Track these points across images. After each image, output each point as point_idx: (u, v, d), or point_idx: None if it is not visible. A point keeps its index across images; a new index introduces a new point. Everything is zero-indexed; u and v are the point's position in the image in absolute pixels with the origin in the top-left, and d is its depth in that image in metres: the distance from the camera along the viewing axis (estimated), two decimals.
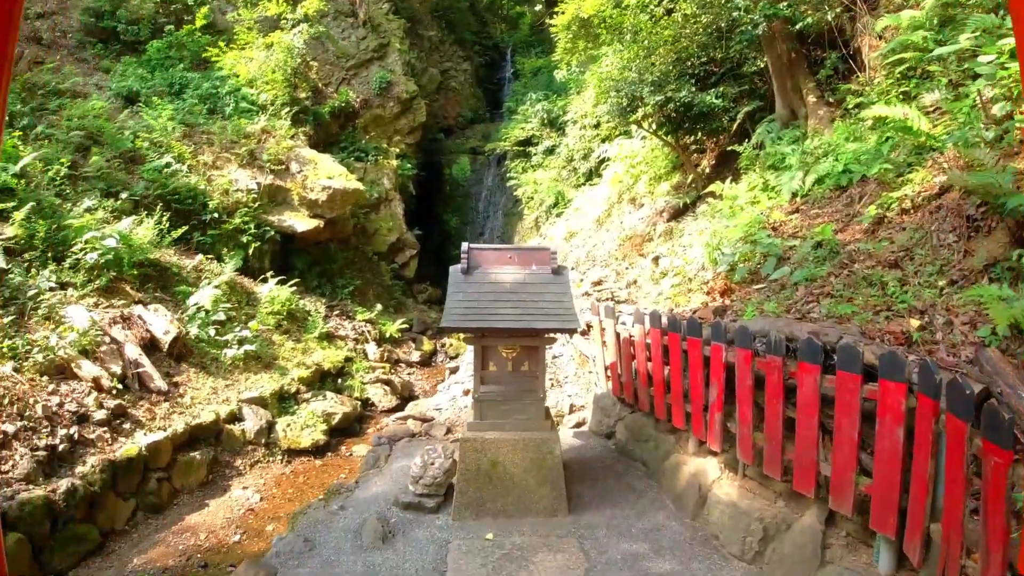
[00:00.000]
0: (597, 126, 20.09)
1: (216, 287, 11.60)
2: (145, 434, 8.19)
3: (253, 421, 9.72)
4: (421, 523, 6.74)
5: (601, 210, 14.85)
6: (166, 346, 10.15)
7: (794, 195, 8.63)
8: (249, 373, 10.75)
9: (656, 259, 10.23)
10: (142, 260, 11.44)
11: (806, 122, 10.18)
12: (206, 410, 9.38)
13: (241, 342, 10.97)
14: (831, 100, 10.02)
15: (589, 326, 9.04)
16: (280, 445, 9.77)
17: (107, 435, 7.78)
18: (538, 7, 33.46)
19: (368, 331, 14.68)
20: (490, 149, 24.85)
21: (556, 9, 17.35)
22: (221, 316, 11.19)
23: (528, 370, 6.92)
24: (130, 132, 14.62)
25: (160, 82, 17.77)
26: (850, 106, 9.17)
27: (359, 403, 11.79)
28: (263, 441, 9.69)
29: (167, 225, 12.36)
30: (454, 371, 13.77)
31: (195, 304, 11.15)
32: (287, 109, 17.89)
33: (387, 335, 15.18)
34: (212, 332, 10.86)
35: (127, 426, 8.18)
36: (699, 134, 12.24)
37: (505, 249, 6.97)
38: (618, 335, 8.15)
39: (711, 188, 10.45)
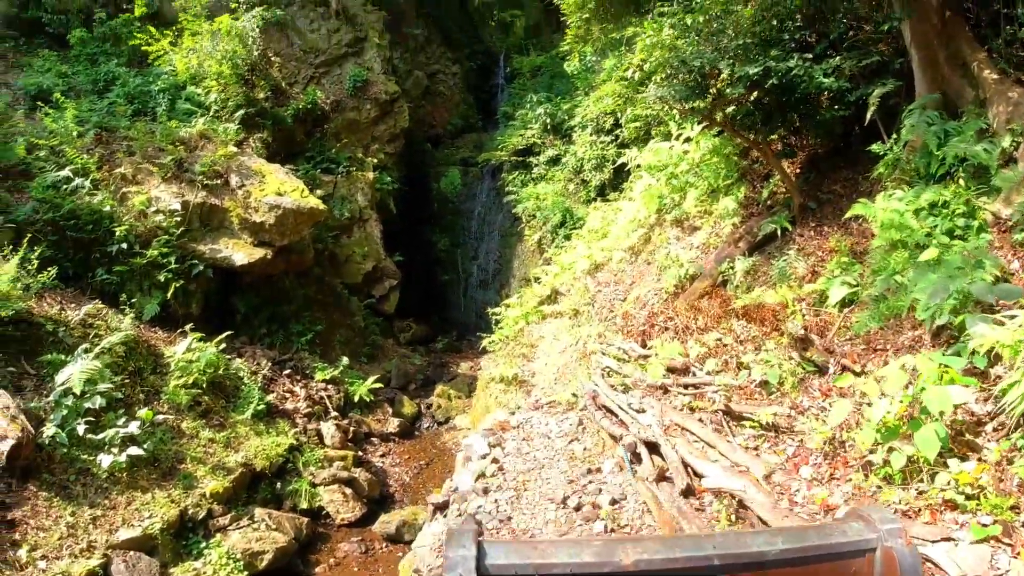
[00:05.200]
0: (614, 129, 16.88)
1: (97, 356, 7.99)
2: None
3: None
4: None
5: (636, 235, 11.37)
6: (3, 457, 6.62)
7: None
8: (134, 491, 7.14)
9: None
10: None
11: (978, 109, 6.79)
12: (51, 572, 5.81)
13: (125, 442, 7.37)
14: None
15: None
16: None
17: None
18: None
19: (329, 397, 11.08)
20: (484, 160, 21.50)
21: None
22: (99, 401, 7.57)
23: None
24: (23, 139, 11.17)
25: (83, 79, 14.38)
26: None
27: (305, 520, 8.18)
28: None
29: (36, 264, 8.80)
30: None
31: (62, 385, 7.55)
32: (240, 111, 14.42)
33: (356, 398, 11.60)
34: (81, 428, 7.25)
35: None
36: (789, 129, 8.80)
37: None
38: None
39: (855, 209, 6.90)
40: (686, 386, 6.64)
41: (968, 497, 4.31)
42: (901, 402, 4.70)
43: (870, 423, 4.70)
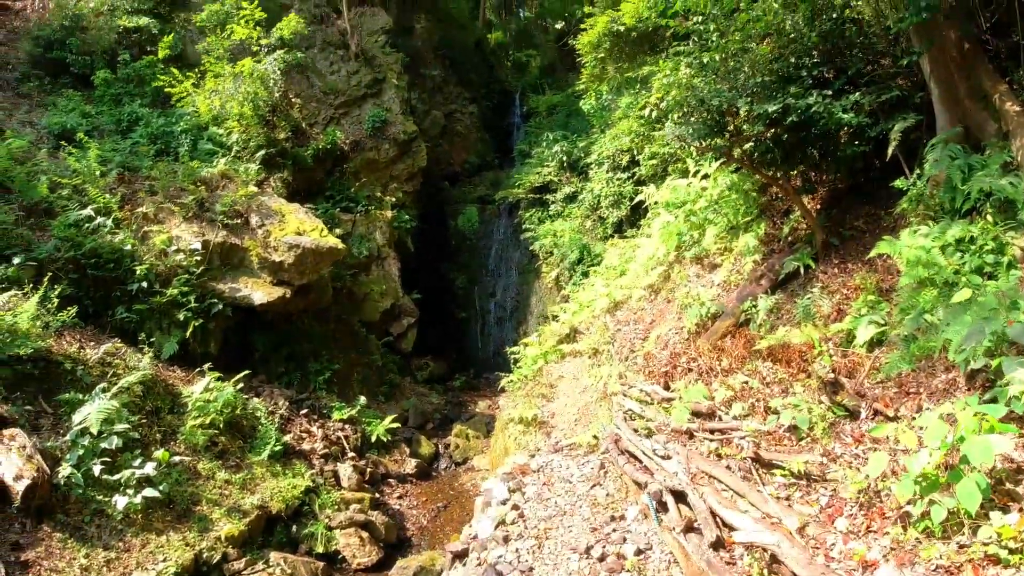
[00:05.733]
0: (630, 166, 16.92)
1: (114, 395, 7.97)
2: None
3: None
4: None
5: (655, 272, 11.27)
6: (18, 497, 6.58)
7: None
8: (149, 534, 7.05)
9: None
10: (17, 354, 7.96)
11: (1002, 142, 6.71)
12: None
13: (141, 483, 7.30)
14: None
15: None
16: None
17: None
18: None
19: (346, 437, 10.97)
20: (501, 197, 21.60)
21: (583, 25, 14.27)
22: (116, 441, 7.53)
23: None
24: (47, 177, 11.32)
25: (107, 119, 14.61)
26: None
27: (321, 564, 8.01)
28: None
29: (55, 302, 8.85)
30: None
31: (79, 425, 7.52)
32: (261, 152, 14.60)
33: (373, 438, 11.47)
34: (97, 469, 7.20)
35: None
36: (808, 165, 8.75)
37: None
38: None
39: (880, 248, 6.79)
40: (712, 431, 6.45)
41: (1012, 551, 4.12)
42: (939, 449, 4.53)
43: (908, 474, 4.51)
